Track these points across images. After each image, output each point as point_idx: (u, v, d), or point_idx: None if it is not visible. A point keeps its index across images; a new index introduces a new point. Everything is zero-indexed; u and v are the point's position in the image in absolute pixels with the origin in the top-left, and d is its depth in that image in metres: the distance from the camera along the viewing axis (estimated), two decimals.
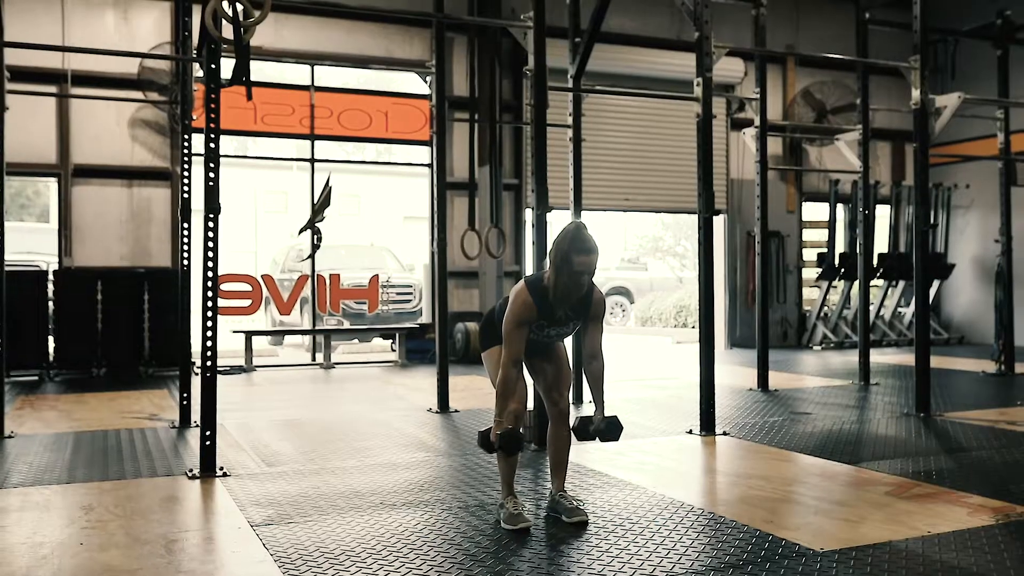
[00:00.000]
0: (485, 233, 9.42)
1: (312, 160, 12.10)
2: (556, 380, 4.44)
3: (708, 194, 6.66)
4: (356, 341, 14.79)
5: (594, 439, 4.37)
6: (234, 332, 11.52)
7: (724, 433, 6.68)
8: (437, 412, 7.82)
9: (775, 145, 14.48)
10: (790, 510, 4.67)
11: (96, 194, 11.21)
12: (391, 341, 12.75)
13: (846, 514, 4.50)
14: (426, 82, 8.59)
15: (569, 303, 4.17)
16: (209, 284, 5.45)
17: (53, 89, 10.82)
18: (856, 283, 10.96)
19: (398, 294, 13.94)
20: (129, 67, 10.87)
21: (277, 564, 3.69)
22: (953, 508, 4.56)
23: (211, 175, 5.49)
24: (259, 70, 12.51)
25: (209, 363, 5.51)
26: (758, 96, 9.30)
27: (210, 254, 5.43)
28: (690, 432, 6.75)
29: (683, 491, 4.96)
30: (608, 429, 4.32)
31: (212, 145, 5.48)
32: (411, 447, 6.29)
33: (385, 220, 25.91)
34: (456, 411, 7.87)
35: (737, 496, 4.92)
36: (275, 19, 11.95)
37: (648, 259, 26.81)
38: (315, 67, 11.98)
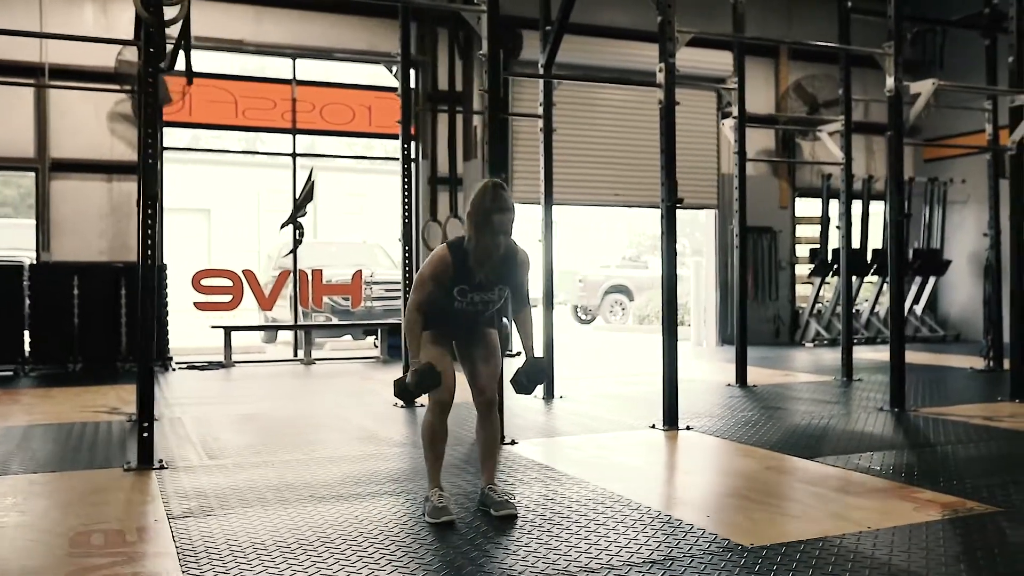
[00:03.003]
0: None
1: (294, 155, 11.97)
2: (483, 368, 4.28)
3: (671, 183, 6.49)
4: (349, 338, 14.66)
5: (529, 389, 4.20)
6: (213, 327, 11.40)
7: (687, 428, 6.51)
8: (402, 407, 7.67)
9: (767, 139, 14.30)
10: (732, 505, 4.51)
11: (75, 188, 11.13)
12: (374, 337, 12.62)
13: (789, 509, 4.34)
14: (392, 72, 8.39)
15: (490, 265, 4.02)
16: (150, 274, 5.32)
17: (31, 82, 10.73)
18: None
19: (385, 290, 13.79)
20: (107, 60, 10.77)
21: (179, 557, 3.56)
22: (902, 503, 4.39)
23: (149, 161, 5.36)
24: (240, 64, 12.44)
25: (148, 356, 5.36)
26: (736, 86, 9.11)
27: (148, 242, 5.31)
28: (653, 427, 6.58)
29: (624, 486, 4.79)
30: (529, 369, 4.16)
31: (149, 130, 5.34)
32: (363, 440, 6.15)
33: (387, 217, 25.76)
34: (421, 406, 7.71)
35: (680, 490, 4.77)
36: (256, 12, 11.89)
37: (648, 257, 26.59)
38: (297, 61, 11.84)
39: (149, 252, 5.30)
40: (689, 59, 12.59)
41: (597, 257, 26.35)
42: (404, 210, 8.37)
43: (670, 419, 6.53)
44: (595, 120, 13.08)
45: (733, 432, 6.37)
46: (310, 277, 11.75)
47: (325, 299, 12.32)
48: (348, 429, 6.62)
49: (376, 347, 12.40)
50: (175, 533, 3.88)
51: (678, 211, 6.52)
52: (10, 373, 10.19)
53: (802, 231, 14.64)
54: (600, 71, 12.13)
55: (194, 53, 11.93)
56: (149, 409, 5.30)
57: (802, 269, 14.53)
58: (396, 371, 10.91)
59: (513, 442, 5.99)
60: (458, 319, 4.18)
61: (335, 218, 24.31)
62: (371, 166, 22.47)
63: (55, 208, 11.05)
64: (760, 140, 14.11)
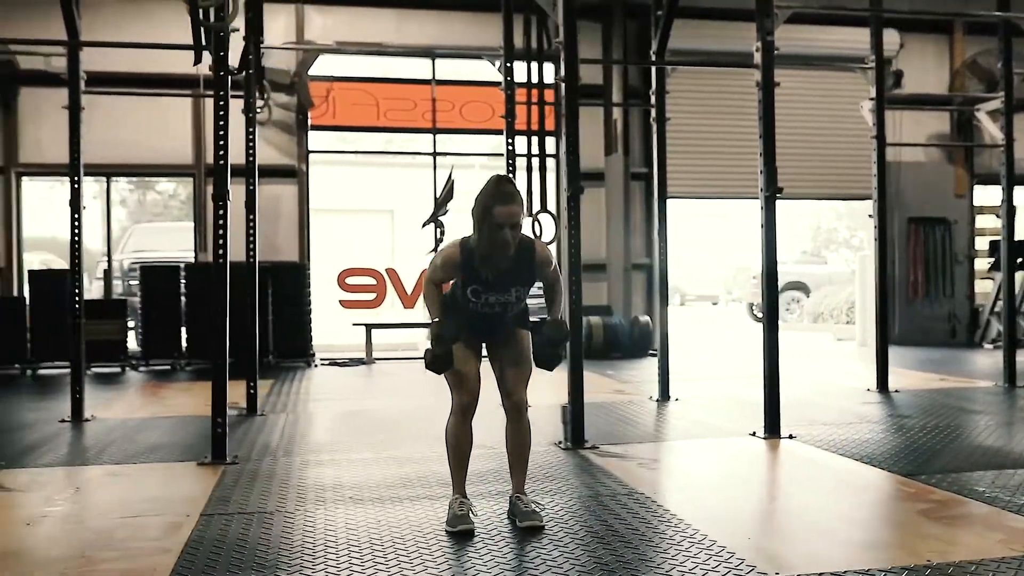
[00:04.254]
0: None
1: (434, 154, 12.07)
2: (511, 371, 4.07)
3: (770, 170, 6.01)
4: None
5: (551, 357, 4.00)
6: (354, 325, 11.69)
7: (790, 436, 6.00)
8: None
9: (939, 122, 13.14)
10: (788, 527, 4.08)
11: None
12: None
13: (852, 534, 3.87)
14: (495, 66, 8.28)
15: (496, 262, 3.80)
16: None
17: (187, 92, 11.35)
18: None
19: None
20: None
21: (184, 554, 3.58)
22: (991, 533, 3.81)
23: (220, 162, 5.49)
24: (382, 66, 12.69)
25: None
26: (899, 66, 8.37)
27: (220, 241, 5.43)
28: (753, 434, 6.12)
29: (677, 498, 4.44)
30: (546, 330, 3.93)
31: (221, 132, 5.46)
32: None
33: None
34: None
35: (737, 508, 4.36)
36: (397, 15, 12.10)
37: (829, 253, 25.23)
38: (436, 60, 11.93)
39: (221, 252, 5.42)
40: (845, 39, 11.85)
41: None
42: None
43: (771, 426, 6.05)
44: (725, 107, 12.43)
45: (841, 443, 5.80)
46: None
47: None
48: (433, 430, 6.51)
49: None
50: (195, 530, 3.91)
51: (857, 203, 6.00)
52: (168, 367, 10.84)
53: (984, 222, 13.36)
54: (721, 55, 11.45)
55: (336, 58, 12.34)
56: (222, 406, 5.42)
57: (984, 263, 13.26)
58: (539, 372, 10.79)
59: (594, 447, 5.73)
60: (478, 322, 3.99)
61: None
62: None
63: (210, 211, 11.63)
64: (932, 123, 12.99)
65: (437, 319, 3.89)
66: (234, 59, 7.89)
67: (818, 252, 23.95)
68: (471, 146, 13.35)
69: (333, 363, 11.29)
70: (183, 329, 11.03)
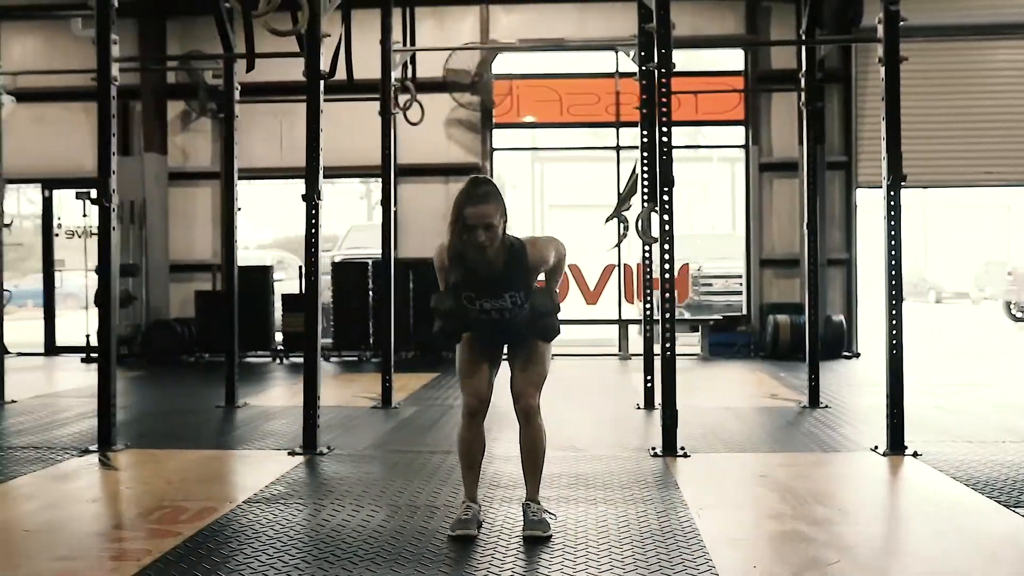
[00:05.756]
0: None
1: (617, 148, 11.87)
2: (519, 375, 3.91)
3: (892, 156, 5.38)
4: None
5: (546, 332, 3.88)
6: None
7: (914, 454, 5.34)
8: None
9: None
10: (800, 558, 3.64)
11: (417, 191, 12.13)
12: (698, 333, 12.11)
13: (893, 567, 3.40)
14: (629, 56, 7.96)
15: (471, 265, 3.69)
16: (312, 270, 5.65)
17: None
18: None
19: (721, 284, 13.21)
20: (438, 71, 11.58)
21: (189, 544, 3.76)
22: None
23: (313, 163, 5.68)
24: (564, 61, 12.64)
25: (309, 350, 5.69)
26: None
27: (312, 240, 5.63)
28: (874, 448, 5.51)
29: (714, 516, 4.08)
30: (537, 298, 3.84)
31: (314, 134, 5.65)
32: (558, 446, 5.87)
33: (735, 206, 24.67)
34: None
35: (773, 533, 3.94)
36: (579, 9, 12.01)
37: None
38: (619, 53, 11.72)
39: (312, 252, 5.62)
40: None
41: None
42: (644, 199, 7.90)
43: (893, 441, 5.42)
44: (963, 87, 11.24)
45: (958, 464, 5.07)
46: (635, 271, 11.61)
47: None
48: (558, 433, 6.34)
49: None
50: (219, 518, 4.09)
51: None
52: (355, 359, 11.43)
53: None
54: (951, 29, 10.36)
55: (518, 55, 12.44)
56: (312, 399, 5.62)
57: None
58: (717, 370, 10.39)
59: (685, 454, 5.40)
60: (482, 328, 3.88)
61: (687, 209, 23.91)
62: (702, 155, 21.36)
63: (401, 209, 12.14)
64: None
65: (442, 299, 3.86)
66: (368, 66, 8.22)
67: None
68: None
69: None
70: (371, 323, 11.57)
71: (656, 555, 3.51)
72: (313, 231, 5.63)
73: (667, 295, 5.63)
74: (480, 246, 3.61)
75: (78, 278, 12.50)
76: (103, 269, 5.70)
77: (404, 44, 8.97)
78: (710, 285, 13.78)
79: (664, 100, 5.54)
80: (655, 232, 6.76)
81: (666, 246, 5.55)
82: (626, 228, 11.74)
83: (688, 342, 13.38)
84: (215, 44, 8.01)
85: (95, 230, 11.54)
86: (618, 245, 11.52)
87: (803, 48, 7.44)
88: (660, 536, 3.77)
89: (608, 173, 12.04)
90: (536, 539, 3.74)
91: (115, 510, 4.45)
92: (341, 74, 6.84)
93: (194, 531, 3.88)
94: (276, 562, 3.46)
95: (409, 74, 9.64)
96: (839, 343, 11.00)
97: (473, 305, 3.79)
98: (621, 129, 11.82)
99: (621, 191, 11.63)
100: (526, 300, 3.79)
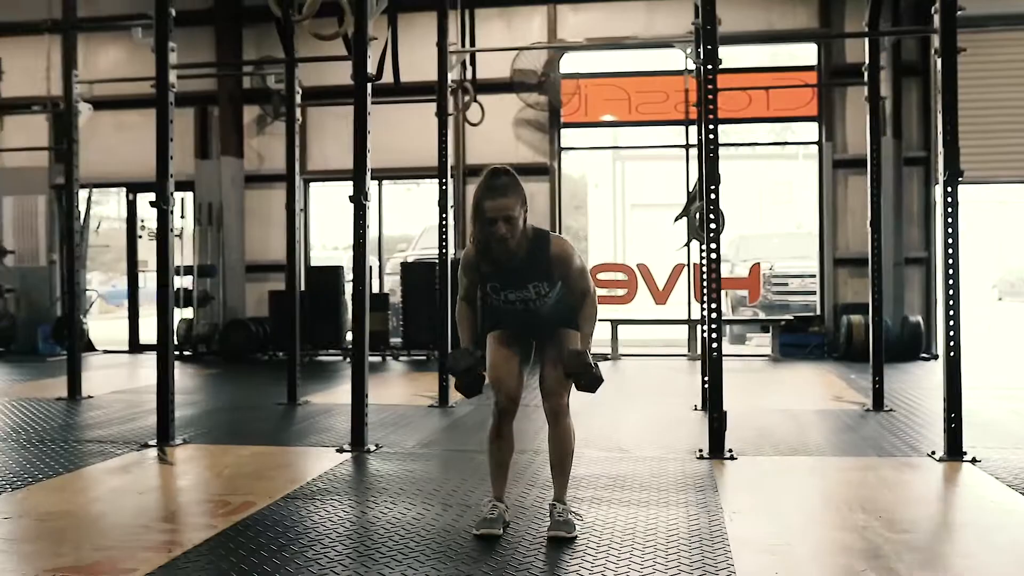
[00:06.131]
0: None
1: (687, 146, 11.71)
2: (549, 372, 3.90)
3: (950, 150, 5.19)
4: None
5: (589, 386, 3.77)
6: (599, 320, 11.66)
7: (972, 460, 5.13)
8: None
9: None
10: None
11: None
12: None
13: None
14: (686, 53, 7.84)
15: (495, 257, 3.70)
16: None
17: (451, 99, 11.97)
18: None
19: (795, 283, 12.92)
20: (506, 72, 11.61)
21: (221, 538, 3.86)
22: None
23: (361, 164, 5.75)
24: (631, 59, 12.54)
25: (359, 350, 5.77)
26: None
27: (360, 240, 5.71)
28: (931, 454, 5.32)
29: (748, 521, 4.00)
30: (572, 361, 3.73)
31: (361, 136, 5.72)
32: (610, 448, 5.82)
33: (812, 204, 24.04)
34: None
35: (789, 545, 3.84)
36: (647, 7, 11.90)
37: None
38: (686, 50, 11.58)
39: (359, 253, 5.70)
40: None
41: None
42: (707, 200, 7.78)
43: (951, 446, 5.22)
44: None
45: None
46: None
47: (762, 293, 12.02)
48: (608, 433, 6.32)
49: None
50: (255, 513, 4.19)
51: None
52: (423, 357, 11.54)
53: None
54: None
55: (586, 55, 12.39)
56: (360, 397, 5.71)
57: None
58: (786, 371, 10.18)
59: (732, 457, 5.31)
60: (511, 318, 3.90)
61: (767, 208, 23.33)
62: (777, 152, 20.85)
63: (468, 209, 12.21)
64: None
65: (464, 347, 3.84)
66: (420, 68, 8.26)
67: None
68: (727, 136, 12.76)
69: None
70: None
71: (677, 559, 3.46)
72: (360, 232, 5.70)
73: (712, 294, 5.53)
74: (501, 238, 3.62)
75: None
76: (161, 270, 5.88)
77: (463, 45, 8.98)
78: (786, 284, 13.47)
79: (711, 97, 5.45)
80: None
81: (711, 245, 5.46)
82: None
83: (761, 343, 13.16)
84: (306, 48, 8.15)
85: (176, 232, 12.06)
86: (687, 244, 11.41)
87: (867, 41, 7.19)
88: (686, 540, 3.71)
89: (683, 171, 11.91)
90: (560, 540, 3.72)
91: (158, 503, 4.59)
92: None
93: (229, 524, 3.98)
94: (299, 556, 3.53)
95: (468, 75, 9.66)
96: (916, 344, 10.65)
97: (498, 296, 3.81)
98: (691, 127, 11.68)
99: (690, 189, 11.55)
100: (550, 290, 3.79)
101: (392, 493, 4.58)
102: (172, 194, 5.88)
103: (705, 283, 5.69)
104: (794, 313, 12.49)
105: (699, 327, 7.70)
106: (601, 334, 11.65)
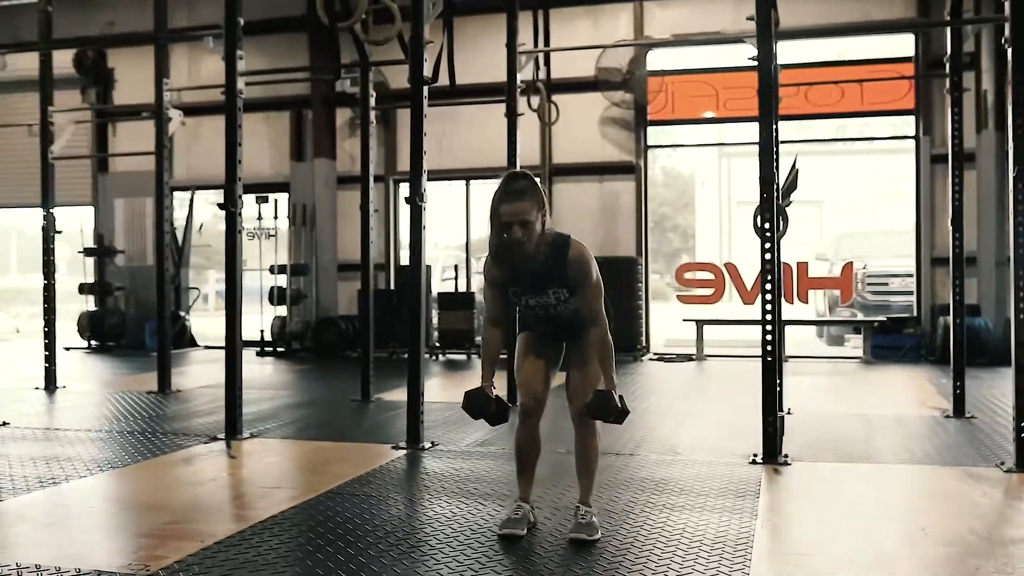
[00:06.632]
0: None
1: (776, 142, 11.40)
2: (575, 375, 3.91)
3: (1020, 144, 4.93)
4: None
5: (602, 418, 3.71)
6: (684, 320, 11.51)
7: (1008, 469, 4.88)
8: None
9: None
10: None
11: (571, 190, 12.18)
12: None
13: None
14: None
15: (511, 262, 3.70)
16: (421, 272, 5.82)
17: (535, 99, 12.01)
18: None
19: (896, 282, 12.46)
20: (590, 71, 11.58)
21: (251, 527, 4.00)
22: None
23: (419, 163, 5.83)
24: (721, 54, 12.31)
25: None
26: None
27: (418, 238, 5.79)
28: (999, 465, 5.07)
29: (780, 529, 3.90)
30: (595, 405, 3.65)
31: (417, 136, 5.81)
32: (664, 452, 5.78)
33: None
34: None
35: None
36: (735, 2, 11.65)
37: None
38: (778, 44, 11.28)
39: (415, 252, 5.79)
40: None
41: None
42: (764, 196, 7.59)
43: (1022, 457, 4.96)
44: None
45: None
46: (795, 270, 11.18)
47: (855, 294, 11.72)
48: (667, 436, 6.28)
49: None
50: (296, 506, 4.32)
51: None
52: (504, 356, 11.58)
53: None
54: None
55: (672, 51, 12.23)
56: (415, 395, 5.80)
57: None
58: (874, 374, 9.85)
59: (785, 463, 5.18)
60: (536, 322, 3.92)
61: (879, 204, 22.42)
62: (896, 146, 20.03)
63: (556, 208, 12.23)
64: None
65: (482, 385, 3.79)
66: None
67: None
68: (816, 131, 12.45)
69: (661, 358, 11.25)
70: None
71: (694, 565, 3.41)
72: (417, 232, 5.79)
73: (770, 295, 5.41)
74: (518, 243, 3.63)
75: (255, 277, 13.37)
76: (229, 269, 6.11)
77: (536, 45, 9.00)
78: (885, 284, 13.02)
79: (766, 93, 5.32)
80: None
81: (767, 244, 5.34)
82: (786, 224, 11.37)
83: (858, 344, 12.74)
84: (380, 52, 8.30)
85: (271, 232, 12.48)
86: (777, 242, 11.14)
87: (948, 30, 6.90)
88: (708, 545, 3.65)
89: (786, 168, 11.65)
90: (581, 542, 3.71)
91: (207, 494, 4.76)
92: (469, 77, 6.99)
93: (267, 516, 4.11)
94: (319, 551, 3.62)
95: (542, 75, 9.69)
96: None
97: (520, 301, 3.83)
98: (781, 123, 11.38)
99: (781, 187, 11.27)
100: (570, 296, 3.78)
101: (434, 491, 4.65)
102: (240, 196, 6.11)
103: (763, 284, 5.56)
104: (894, 314, 12.06)
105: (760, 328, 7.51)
106: (687, 334, 11.55)
